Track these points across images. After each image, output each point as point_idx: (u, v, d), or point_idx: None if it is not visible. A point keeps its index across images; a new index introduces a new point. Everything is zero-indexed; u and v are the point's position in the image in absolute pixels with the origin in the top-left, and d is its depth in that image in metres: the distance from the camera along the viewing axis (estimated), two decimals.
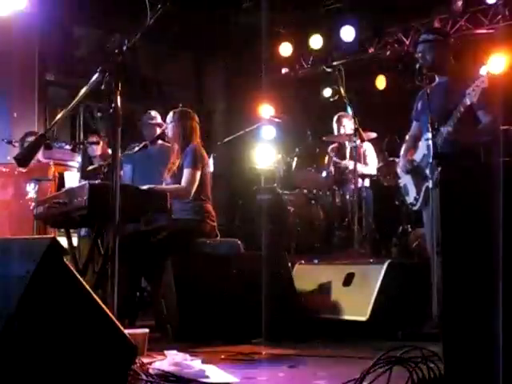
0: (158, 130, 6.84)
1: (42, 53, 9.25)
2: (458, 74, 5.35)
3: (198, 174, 5.65)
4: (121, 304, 3.42)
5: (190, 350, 4.00)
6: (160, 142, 6.51)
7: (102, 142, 7.73)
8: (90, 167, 6.49)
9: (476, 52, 8.50)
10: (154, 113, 7.37)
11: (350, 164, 7.93)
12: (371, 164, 8.15)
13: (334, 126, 8.43)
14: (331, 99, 8.21)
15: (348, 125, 8.13)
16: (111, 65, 3.52)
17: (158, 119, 7.19)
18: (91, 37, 9.91)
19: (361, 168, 7.74)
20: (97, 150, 7.76)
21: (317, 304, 5.37)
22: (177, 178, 5.70)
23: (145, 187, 5.17)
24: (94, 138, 7.70)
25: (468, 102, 4.87)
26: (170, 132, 5.93)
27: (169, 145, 6.22)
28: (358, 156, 7.41)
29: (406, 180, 5.62)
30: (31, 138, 7.28)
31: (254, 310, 4.73)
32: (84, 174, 6.99)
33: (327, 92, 9.94)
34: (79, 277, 2.70)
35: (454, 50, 5.47)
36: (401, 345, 2.66)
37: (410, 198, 5.54)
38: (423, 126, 5.38)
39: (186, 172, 5.62)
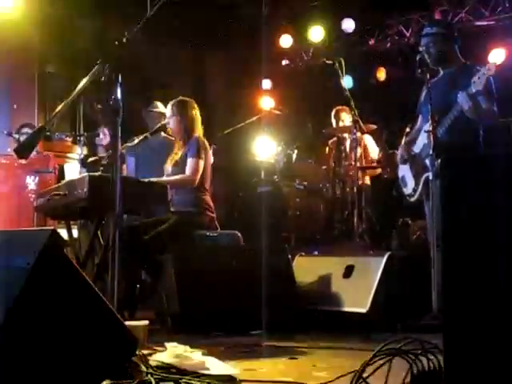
0: (162, 121, 6.85)
1: (42, 44, 9.23)
2: (463, 66, 5.35)
3: (202, 163, 5.69)
4: (121, 296, 3.42)
5: (190, 341, 4.00)
6: (163, 134, 6.52)
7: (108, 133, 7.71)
8: (91, 159, 6.49)
9: (477, 44, 8.49)
10: (159, 103, 7.41)
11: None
12: (373, 153, 8.16)
13: (333, 120, 8.44)
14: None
15: (346, 118, 8.14)
16: (111, 57, 3.51)
17: (163, 109, 7.22)
18: (91, 28, 9.88)
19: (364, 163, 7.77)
20: (104, 139, 7.73)
21: (317, 296, 5.37)
22: (179, 167, 5.73)
23: (153, 180, 5.17)
24: (105, 130, 7.69)
25: (473, 91, 4.86)
26: (171, 125, 5.94)
27: (172, 138, 6.22)
28: (357, 149, 7.43)
29: (404, 171, 5.62)
30: (26, 130, 7.30)
31: (253, 301, 4.73)
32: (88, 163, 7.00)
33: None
34: (79, 269, 2.70)
35: (458, 40, 5.46)
36: (401, 337, 2.66)
37: (408, 190, 5.54)
38: (424, 117, 5.38)
39: (190, 161, 5.67)
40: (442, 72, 5.42)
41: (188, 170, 5.66)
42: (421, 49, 5.39)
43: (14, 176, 7.22)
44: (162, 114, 7.13)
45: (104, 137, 7.68)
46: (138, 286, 5.57)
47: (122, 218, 3.86)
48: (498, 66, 4.95)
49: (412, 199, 5.52)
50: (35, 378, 2.49)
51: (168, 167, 5.87)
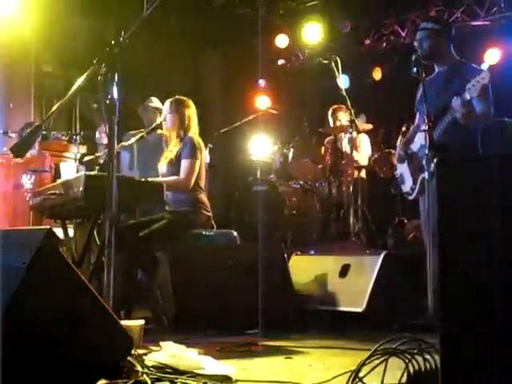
0: (159, 117, 6.84)
1: (39, 43, 9.22)
2: (457, 64, 5.35)
3: (197, 164, 5.67)
4: (117, 295, 3.42)
5: (185, 341, 4.00)
6: (159, 130, 6.52)
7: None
8: (87, 158, 6.48)
9: (472, 44, 8.51)
10: (154, 99, 7.41)
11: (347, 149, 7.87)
12: (363, 153, 8.17)
13: (330, 119, 8.44)
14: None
15: (343, 117, 8.15)
16: (108, 56, 3.51)
17: (158, 104, 7.22)
18: (88, 28, 9.87)
19: (354, 154, 7.74)
20: (103, 138, 7.74)
21: (313, 295, 5.37)
22: (173, 166, 5.71)
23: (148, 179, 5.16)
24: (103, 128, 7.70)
25: (468, 97, 4.86)
26: (168, 121, 5.93)
27: (168, 134, 6.22)
28: (353, 147, 7.43)
29: (402, 169, 5.62)
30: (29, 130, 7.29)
31: (249, 301, 4.73)
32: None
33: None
34: (75, 268, 2.70)
35: (454, 38, 5.46)
36: (397, 336, 2.67)
37: (406, 188, 5.54)
38: (421, 115, 5.39)
39: (185, 163, 5.63)
40: (436, 70, 5.43)
41: (182, 173, 5.63)
42: (415, 43, 5.40)
43: (10, 175, 7.21)
44: (158, 109, 7.14)
45: (103, 135, 7.68)
46: (133, 285, 5.57)
47: (118, 217, 3.86)
48: (493, 67, 4.96)
49: (410, 197, 5.53)
50: (31, 377, 2.49)
51: (163, 166, 5.84)
